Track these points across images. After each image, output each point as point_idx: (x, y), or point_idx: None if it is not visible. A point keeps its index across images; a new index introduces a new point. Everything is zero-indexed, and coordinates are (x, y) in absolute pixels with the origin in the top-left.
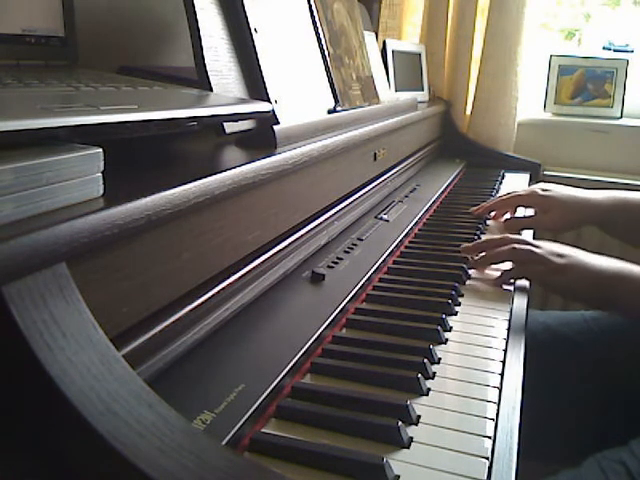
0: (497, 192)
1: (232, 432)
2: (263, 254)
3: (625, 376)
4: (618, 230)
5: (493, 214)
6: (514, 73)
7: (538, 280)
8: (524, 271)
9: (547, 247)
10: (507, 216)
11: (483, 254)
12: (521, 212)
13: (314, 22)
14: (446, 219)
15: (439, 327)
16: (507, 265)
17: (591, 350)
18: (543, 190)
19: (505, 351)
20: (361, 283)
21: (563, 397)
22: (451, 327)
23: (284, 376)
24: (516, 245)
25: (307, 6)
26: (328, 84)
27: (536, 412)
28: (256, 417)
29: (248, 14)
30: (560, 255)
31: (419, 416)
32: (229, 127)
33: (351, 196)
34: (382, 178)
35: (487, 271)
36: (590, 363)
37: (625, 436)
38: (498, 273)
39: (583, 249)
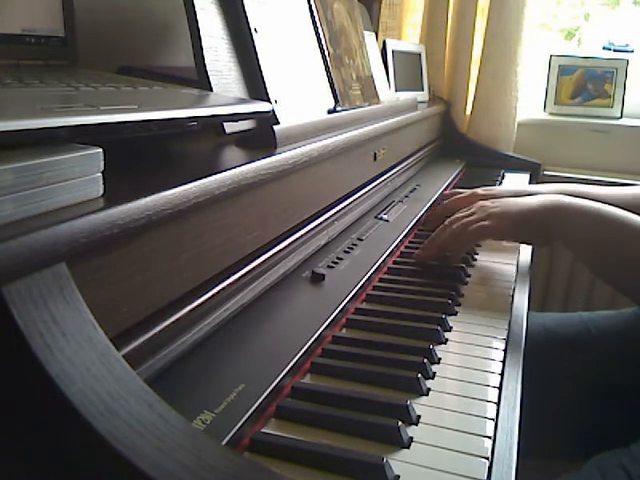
0: None
1: (232, 432)
2: (263, 254)
3: (623, 377)
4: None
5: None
6: (514, 73)
7: (488, 234)
8: (470, 235)
9: (478, 206)
10: None
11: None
12: None
13: (314, 22)
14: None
15: (439, 327)
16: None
17: (589, 351)
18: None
19: (505, 351)
20: (361, 283)
21: (562, 398)
22: (451, 327)
23: (284, 376)
24: (453, 225)
25: (307, 6)
26: (328, 84)
27: (536, 412)
28: (256, 417)
29: (248, 14)
30: (493, 207)
31: (419, 416)
32: (229, 127)
33: (351, 196)
34: (382, 178)
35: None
36: (588, 364)
37: (625, 436)
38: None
39: None
